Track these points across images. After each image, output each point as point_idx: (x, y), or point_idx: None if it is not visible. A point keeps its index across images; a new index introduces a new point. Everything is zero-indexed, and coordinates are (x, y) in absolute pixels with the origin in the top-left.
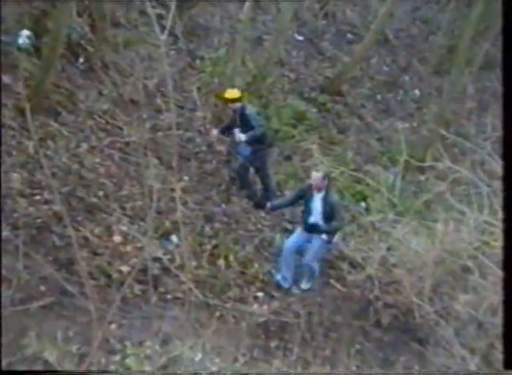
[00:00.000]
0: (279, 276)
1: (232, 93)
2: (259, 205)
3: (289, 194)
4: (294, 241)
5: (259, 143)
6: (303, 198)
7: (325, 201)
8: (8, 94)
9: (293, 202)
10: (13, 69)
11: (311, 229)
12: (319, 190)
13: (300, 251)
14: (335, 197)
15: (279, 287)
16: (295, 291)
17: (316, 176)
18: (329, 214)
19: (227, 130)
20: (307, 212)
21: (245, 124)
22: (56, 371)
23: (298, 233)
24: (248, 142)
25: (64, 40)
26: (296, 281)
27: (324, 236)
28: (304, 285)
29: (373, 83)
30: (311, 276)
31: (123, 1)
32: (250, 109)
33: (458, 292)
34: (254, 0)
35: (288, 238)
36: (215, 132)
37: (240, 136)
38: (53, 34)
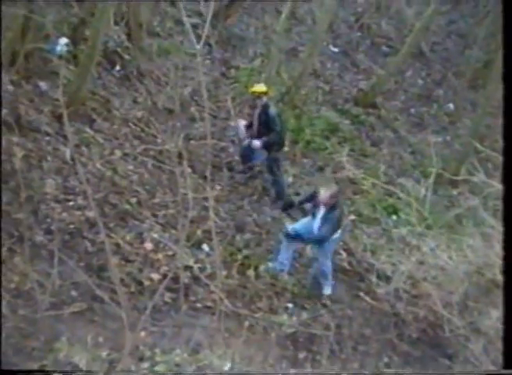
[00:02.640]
0: (274, 264)
1: (259, 87)
2: (287, 206)
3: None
4: (296, 228)
5: (274, 147)
6: (310, 201)
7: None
8: (45, 100)
9: (301, 203)
10: (51, 76)
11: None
12: (325, 205)
13: (300, 237)
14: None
15: (273, 271)
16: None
17: (324, 194)
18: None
19: (249, 127)
20: (314, 219)
21: (263, 123)
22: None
23: (302, 222)
24: (263, 147)
25: (101, 48)
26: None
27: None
28: (326, 290)
29: (407, 96)
30: (327, 279)
31: (160, 9)
32: (273, 109)
33: (489, 307)
34: (290, 11)
35: (291, 225)
36: (242, 122)
37: (256, 144)
38: (90, 42)
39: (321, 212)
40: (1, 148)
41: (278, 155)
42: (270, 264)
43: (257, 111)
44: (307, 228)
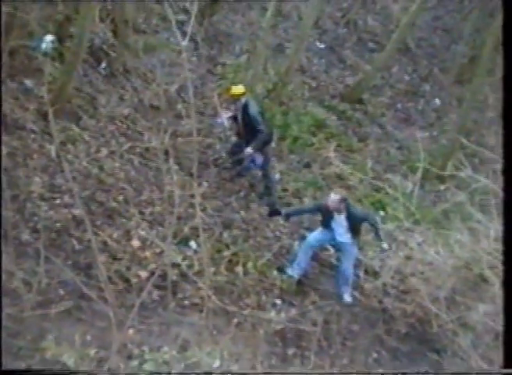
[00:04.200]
0: (292, 269)
1: (236, 88)
2: (273, 213)
3: (306, 204)
4: (318, 238)
5: (264, 145)
6: (318, 213)
7: (352, 218)
8: (31, 98)
9: (307, 212)
10: (36, 74)
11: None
12: (339, 212)
13: (321, 248)
14: (359, 211)
15: (291, 276)
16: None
17: (333, 199)
18: (358, 225)
19: (233, 120)
20: (328, 223)
21: (247, 124)
22: (59, 371)
23: (321, 232)
24: (257, 151)
25: (86, 45)
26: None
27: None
28: (348, 297)
29: (394, 91)
30: (348, 284)
31: (145, 6)
32: (253, 108)
33: (476, 302)
34: (276, 7)
35: (311, 234)
36: (225, 115)
37: (248, 152)
38: (76, 39)
39: (337, 218)
40: (1, 149)
41: (266, 150)
42: (289, 270)
43: (240, 113)
44: (327, 236)
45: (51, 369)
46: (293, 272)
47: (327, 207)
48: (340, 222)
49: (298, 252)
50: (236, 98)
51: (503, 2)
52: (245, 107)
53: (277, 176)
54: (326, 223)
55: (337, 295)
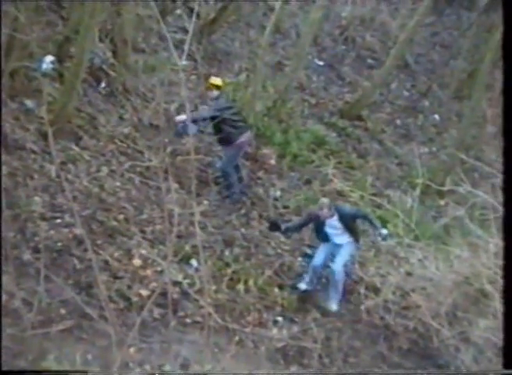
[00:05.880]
0: (303, 285)
1: (215, 80)
2: (273, 228)
3: (299, 218)
4: (322, 258)
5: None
6: (311, 221)
7: (343, 218)
8: (31, 119)
9: (301, 227)
10: (36, 94)
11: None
12: (331, 216)
13: (327, 264)
14: (347, 208)
15: (295, 289)
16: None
17: (324, 213)
18: (351, 223)
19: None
20: (321, 231)
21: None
22: (58, 371)
23: (321, 251)
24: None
25: (86, 65)
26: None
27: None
28: (334, 305)
29: (393, 108)
30: (339, 292)
31: (144, 26)
32: (221, 102)
33: (478, 317)
34: (275, 25)
35: (314, 259)
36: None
37: (180, 117)
38: (76, 59)
39: (329, 222)
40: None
41: (240, 141)
42: (301, 285)
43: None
44: (328, 249)
45: (50, 370)
46: (307, 285)
47: (316, 214)
48: (334, 225)
49: (309, 271)
50: (210, 88)
51: (503, 17)
52: (216, 98)
53: (278, 193)
54: (319, 230)
55: (324, 300)
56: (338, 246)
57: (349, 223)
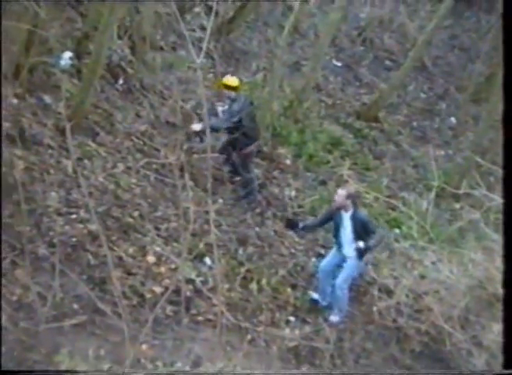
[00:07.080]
0: (316, 295)
1: (230, 80)
2: (290, 225)
3: (319, 216)
4: (331, 262)
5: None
6: (332, 219)
7: (354, 219)
8: (49, 114)
9: (322, 224)
10: (55, 90)
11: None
12: (346, 209)
13: (335, 271)
14: (363, 214)
15: (313, 304)
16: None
17: (340, 193)
18: (360, 231)
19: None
20: (337, 231)
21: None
22: (58, 371)
23: (332, 254)
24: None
25: (104, 61)
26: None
27: (361, 244)
28: (333, 317)
29: (410, 110)
30: (341, 306)
31: (163, 23)
32: (239, 103)
33: (490, 321)
34: (293, 25)
35: (322, 262)
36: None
37: (195, 127)
38: (94, 56)
39: (344, 217)
40: (2, 159)
41: (248, 150)
42: (314, 295)
43: (227, 104)
44: (339, 258)
45: (51, 370)
46: (321, 299)
47: (335, 208)
48: (346, 223)
49: (319, 281)
50: (226, 89)
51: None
52: (233, 100)
53: (293, 193)
54: (337, 229)
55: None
56: (345, 259)
57: (358, 228)
